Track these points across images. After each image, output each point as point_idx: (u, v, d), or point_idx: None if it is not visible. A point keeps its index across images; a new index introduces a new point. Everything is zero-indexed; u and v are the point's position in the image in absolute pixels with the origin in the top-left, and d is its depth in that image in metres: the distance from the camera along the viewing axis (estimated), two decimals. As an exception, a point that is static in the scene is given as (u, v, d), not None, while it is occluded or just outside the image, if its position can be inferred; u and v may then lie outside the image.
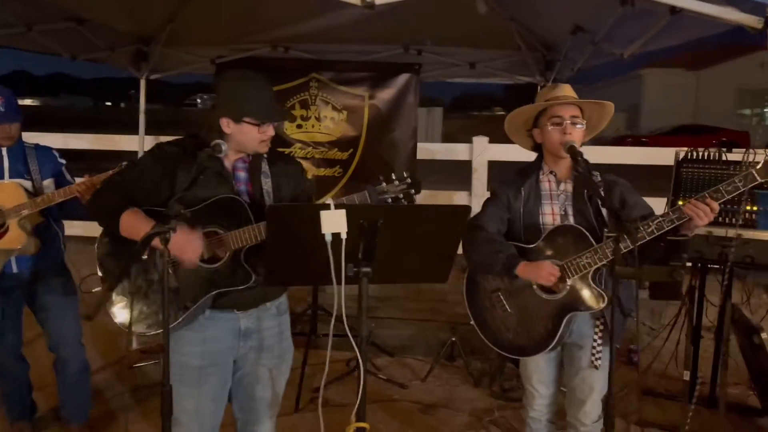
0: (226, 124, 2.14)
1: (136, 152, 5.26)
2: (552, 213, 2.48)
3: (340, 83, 4.48)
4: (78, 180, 2.94)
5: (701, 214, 2.20)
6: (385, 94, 4.46)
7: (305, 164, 4.49)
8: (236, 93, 2.15)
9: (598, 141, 5.99)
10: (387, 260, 1.85)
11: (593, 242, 2.36)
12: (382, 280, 1.97)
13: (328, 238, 1.77)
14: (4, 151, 2.89)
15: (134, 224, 2.05)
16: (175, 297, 2.10)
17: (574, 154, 2.42)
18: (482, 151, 5.91)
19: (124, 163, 3.06)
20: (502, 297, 2.52)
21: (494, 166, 5.92)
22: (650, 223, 2.26)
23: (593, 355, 2.46)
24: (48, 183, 2.97)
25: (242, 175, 2.25)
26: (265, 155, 2.27)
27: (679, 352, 3.70)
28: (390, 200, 2.12)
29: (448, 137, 21.67)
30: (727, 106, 24.35)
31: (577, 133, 2.42)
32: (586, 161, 2.39)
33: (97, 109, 59.26)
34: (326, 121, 4.53)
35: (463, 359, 4.23)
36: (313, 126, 4.51)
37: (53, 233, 3.03)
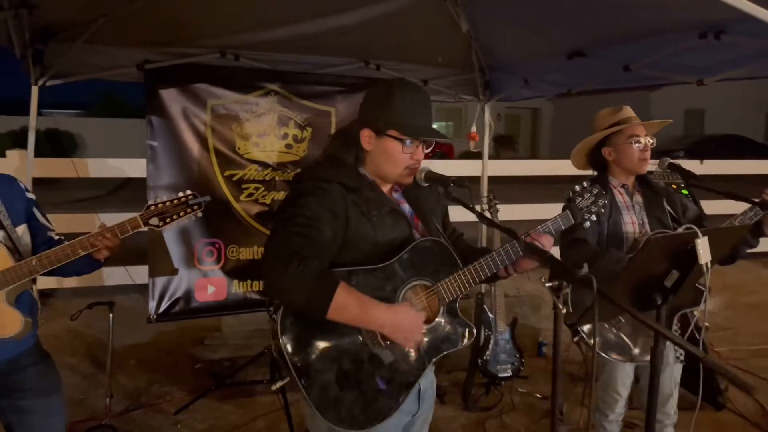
0: (367, 139, 1.82)
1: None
2: (632, 222, 2.69)
3: (303, 97, 4.01)
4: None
5: None
6: (354, 111, 4.12)
7: (261, 188, 3.98)
8: (385, 98, 1.81)
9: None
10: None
11: None
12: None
13: (705, 269, 1.75)
14: None
15: (360, 306, 1.62)
16: (392, 374, 1.78)
17: (677, 168, 2.74)
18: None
19: (192, 194, 2.30)
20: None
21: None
22: (734, 221, 2.55)
23: (676, 350, 2.68)
24: (22, 231, 2.11)
25: (406, 207, 1.95)
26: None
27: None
28: (587, 216, 2.02)
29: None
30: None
31: (650, 151, 2.72)
32: (686, 171, 2.73)
33: None
34: (288, 139, 4.03)
35: None
36: (272, 144, 3.96)
37: (33, 302, 2.18)
